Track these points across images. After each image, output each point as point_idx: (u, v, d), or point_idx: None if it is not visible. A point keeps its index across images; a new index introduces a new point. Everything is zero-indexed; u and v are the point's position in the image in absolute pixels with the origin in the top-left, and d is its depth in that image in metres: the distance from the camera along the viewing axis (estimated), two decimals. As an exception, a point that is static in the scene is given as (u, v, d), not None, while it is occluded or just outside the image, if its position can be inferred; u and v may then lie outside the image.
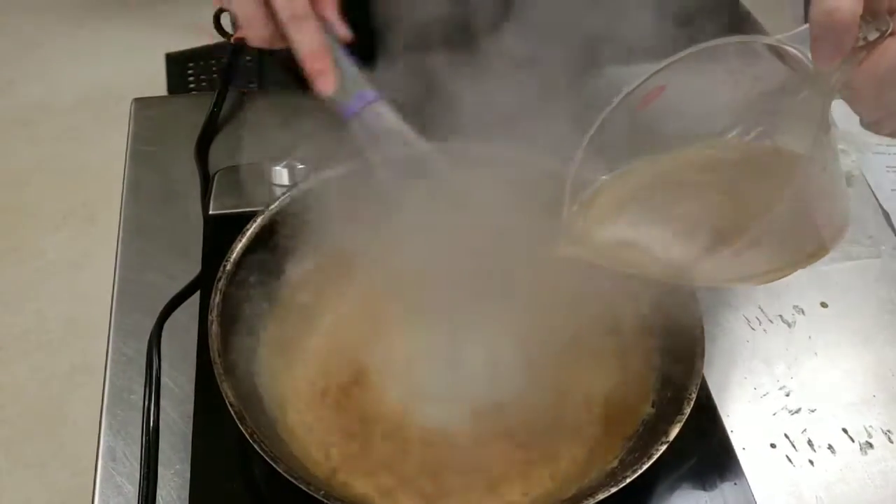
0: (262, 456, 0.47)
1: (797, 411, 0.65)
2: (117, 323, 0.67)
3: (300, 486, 0.46)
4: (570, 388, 0.59)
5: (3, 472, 1.48)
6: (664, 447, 0.48)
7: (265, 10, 0.54)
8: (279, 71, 0.97)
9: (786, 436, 0.63)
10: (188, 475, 0.57)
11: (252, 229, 0.59)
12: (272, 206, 0.60)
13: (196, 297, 0.65)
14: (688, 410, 0.50)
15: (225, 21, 0.86)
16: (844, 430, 0.64)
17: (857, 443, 0.63)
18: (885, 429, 0.64)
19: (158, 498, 0.56)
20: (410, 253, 0.56)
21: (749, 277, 0.53)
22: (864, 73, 0.44)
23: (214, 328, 0.53)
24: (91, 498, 0.58)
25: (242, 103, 0.85)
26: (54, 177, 1.99)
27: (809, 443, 0.63)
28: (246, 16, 0.55)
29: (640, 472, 0.47)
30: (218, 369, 0.51)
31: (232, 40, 0.87)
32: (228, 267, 0.56)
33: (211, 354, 0.52)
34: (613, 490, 0.46)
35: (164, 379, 0.62)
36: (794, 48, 0.47)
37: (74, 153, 2.02)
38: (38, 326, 1.69)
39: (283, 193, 0.61)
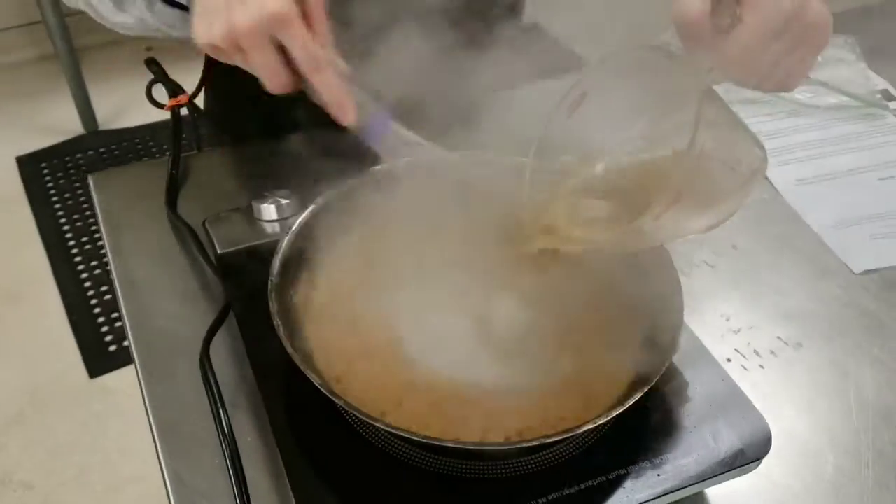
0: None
1: (738, 331, 0.79)
2: (146, 373, 0.70)
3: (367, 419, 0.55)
4: (569, 349, 0.68)
5: None
6: (662, 370, 0.59)
7: (283, 61, 0.61)
8: (212, 132, 1.04)
9: (736, 350, 0.77)
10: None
11: (284, 245, 0.66)
12: (298, 222, 0.69)
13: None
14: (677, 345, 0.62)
15: (157, 92, 0.92)
16: (779, 338, 0.78)
17: (790, 345, 0.78)
18: (808, 335, 0.79)
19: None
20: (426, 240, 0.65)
21: (695, 230, 0.64)
22: (730, 50, 0.56)
23: (283, 331, 0.60)
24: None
25: (188, 164, 0.91)
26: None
27: (756, 352, 0.77)
28: (268, 69, 0.61)
29: (643, 392, 0.57)
30: (296, 357, 0.57)
31: (166, 108, 0.93)
32: (273, 279, 0.63)
33: (287, 349, 0.58)
34: (603, 420, 0.56)
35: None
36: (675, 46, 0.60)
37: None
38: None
39: (286, 226, 0.70)
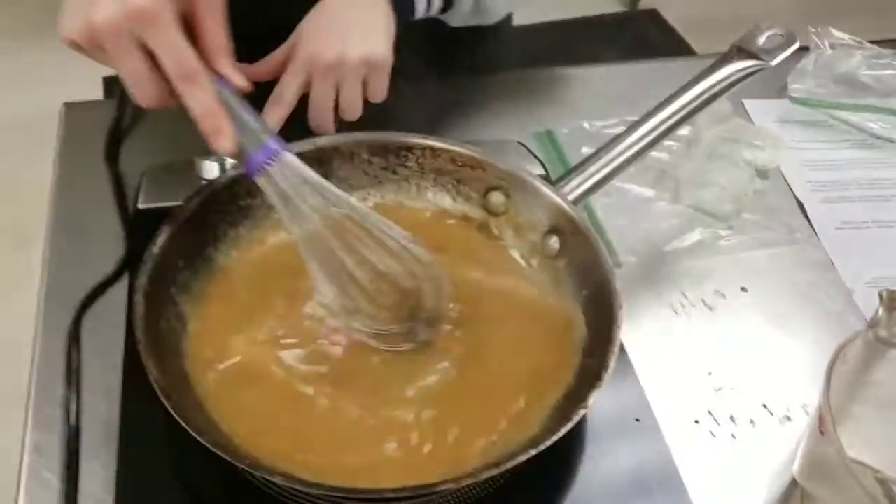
0: (189, 440, 0.47)
1: (719, 389, 0.67)
2: (45, 320, 0.66)
3: (221, 454, 0.46)
4: (497, 366, 0.59)
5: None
6: (583, 411, 0.49)
7: (153, 69, 0.52)
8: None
9: (709, 412, 0.65)
10: (115, 467, 0.57)
11: (181, 215, 0.59)
12: (200, 193, 0.61)
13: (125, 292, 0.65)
14: (605, 378, 0.51)
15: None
16: (764, 406, 0.66)
17: (776, 416, 0.65)
18: (802, 403, 0.66)
19: (84, 491, 0.56)
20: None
21: None
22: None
23: (140, 309, 0.53)
24: (16, 491, 0.57)
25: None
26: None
27: (732, 418, 0.65)
28: (133, 77, 0.52)
29: (559, 434, 0.48)
30: (142, 347, 0.51)
31: None
32: (155, 250, 0.56)
33: (136, 334, 0.52)
34: (533, 453, 0.47)
35: (93, 372, 0.62)
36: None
37: (6, 173, 1.99)
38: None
39: (212, 184, 0.62)
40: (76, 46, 0.53)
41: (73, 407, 0.58)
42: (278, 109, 0.68)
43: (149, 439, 0.56)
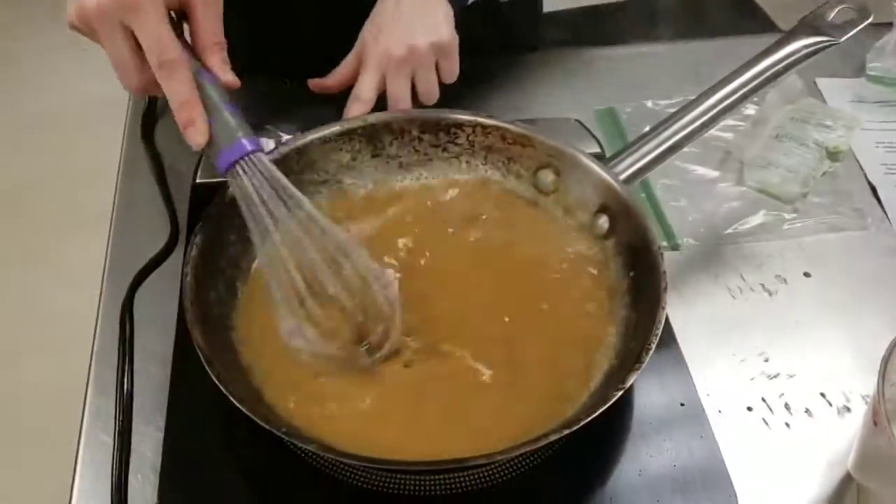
0: (233, 408, 0.48)
1: (775, 376, 0.65)
2: (107, 291, 0.69)
3: (262, 423, 0.47)
4: (535, 342, 0.59)
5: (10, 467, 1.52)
6: (620, 393, 0.49)
7: (138, 56, 0.53)
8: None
9: (763, 399, 0.63)
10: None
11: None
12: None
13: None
14: (646, 359, 0.50)
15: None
16: (822, 395, 0.64)
17: (834, 407, 0.63)
18: (863, 394, 0.64)
19: (136, 453, 0.58)
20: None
21: None
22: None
23: (189, 280, 0.54)
24: (76, 450, 0.59)
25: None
26: (59, 183, 2.02)
27: (787, 406, 0.63)
28: (118, 60, 0.53)
29: (594, 415, 0.47)
30: (189, 316, 0.52)
31: None
32: (207, 224, 0.58)
33: (184, 304, 0.53)
34: (566, 433, 0.47)
35: (150, 341, 0.64)
36: None
37: (89, 156, 2.06)
38: (52, 330, 1.71)
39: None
40: (76, 28, 0.55)
41: (126, 374, 0.60)
42: (359, 106, 0.70)
43: (196, 406, 0.58)
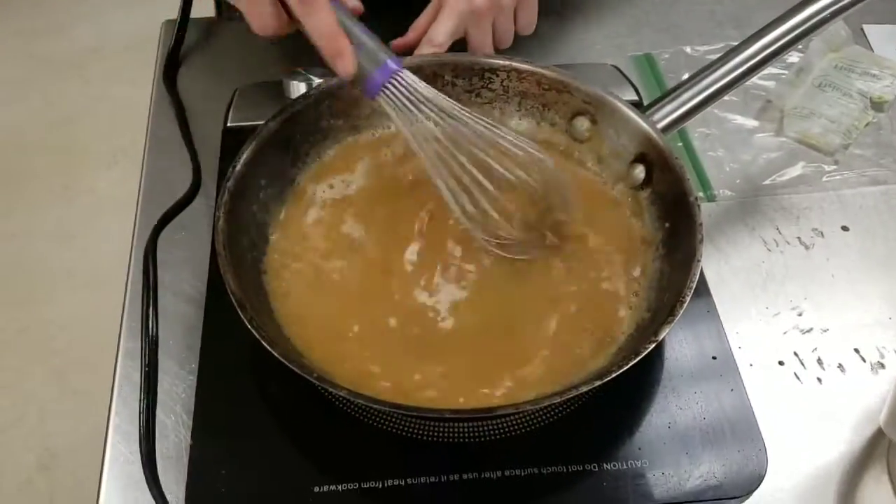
0: (264, 351, 0.48)
1: (808, 331, 0.64)
2: (140, 234, 0.69)
3: (294, 368, 0.47)
4: (566, 293, 0.59)
5: (53, 400, 1.56)
6: (652, 346, 0.48)
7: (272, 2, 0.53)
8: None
9: (795, 354, 0.63)
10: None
11: (263, 132, 0.60)
12: (283, 112, 0.61)
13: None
14: (679, 312, 0.50)
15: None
16: (856, 351, 0.63)
17: (868, 363, 0.62)
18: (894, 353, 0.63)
19: (169, 393, 0.58)
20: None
21: None
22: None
23: (221, 224, 0.54)
24: (110, 392, 0.60)
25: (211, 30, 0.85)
26: (105, 117, 2.03)
27: (819, 361, 0.62)
28: (254, 9, 0.53)
29: (625, 368, 0.47)
30: (222, 261, 0.52)
31: None
32: (238, 167, 0.57)
33: (216, 248, 0.53)
34: (597, 384, 0.47)
35: (182, 283, 0.64)
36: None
37: (124, 95, 2.07)
38: (87, 262, 1.74)
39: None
40: None
41: (151, 318, 0.60)
42: (430, 49, 0.68)
43: (229, 349, 0.58)
